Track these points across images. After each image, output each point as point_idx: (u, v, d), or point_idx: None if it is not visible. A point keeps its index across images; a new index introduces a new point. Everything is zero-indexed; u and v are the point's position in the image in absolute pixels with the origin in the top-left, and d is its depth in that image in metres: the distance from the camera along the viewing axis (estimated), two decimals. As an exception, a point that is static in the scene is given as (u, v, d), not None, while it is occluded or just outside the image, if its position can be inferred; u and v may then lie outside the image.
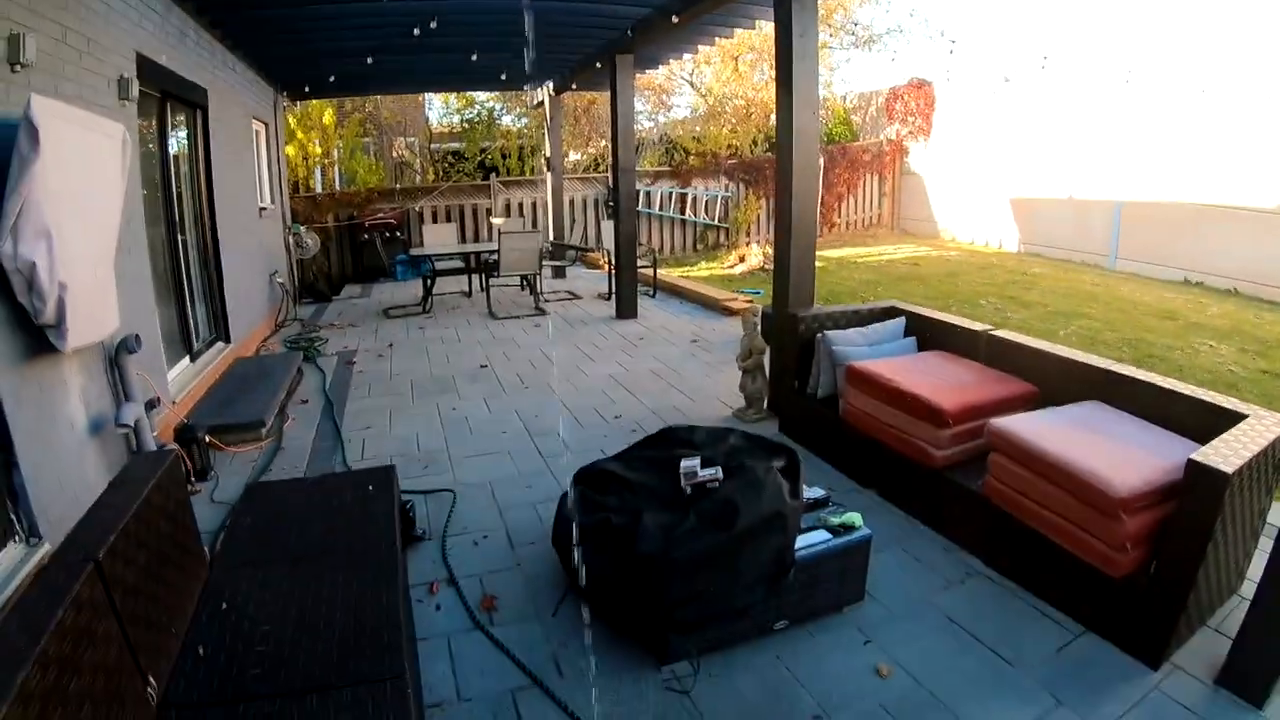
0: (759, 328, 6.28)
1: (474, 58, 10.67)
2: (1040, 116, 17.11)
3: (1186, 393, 3.77)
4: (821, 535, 3.54)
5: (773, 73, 20.32)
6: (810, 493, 3.85)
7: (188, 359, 7.52)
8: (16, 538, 3.84)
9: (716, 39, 10.47)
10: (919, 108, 20.05)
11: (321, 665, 2.50)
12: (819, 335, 5.44)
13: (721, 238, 18.82)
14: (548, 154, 15.37)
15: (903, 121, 20.42)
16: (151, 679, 2.39)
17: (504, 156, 20.29)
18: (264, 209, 11.62)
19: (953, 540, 4.20)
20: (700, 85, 22.15)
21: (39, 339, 4.04)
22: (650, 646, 3.33)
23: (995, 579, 3.87)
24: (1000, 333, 4.99)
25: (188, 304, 7.68)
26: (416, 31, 8.44)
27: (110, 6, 5.56)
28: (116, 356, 5.03)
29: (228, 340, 8.71)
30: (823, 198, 19.14)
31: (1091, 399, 4.12)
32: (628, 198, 10.62)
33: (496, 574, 4.08)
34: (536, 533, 4.46)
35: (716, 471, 3.58)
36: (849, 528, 3.59)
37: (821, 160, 18.60)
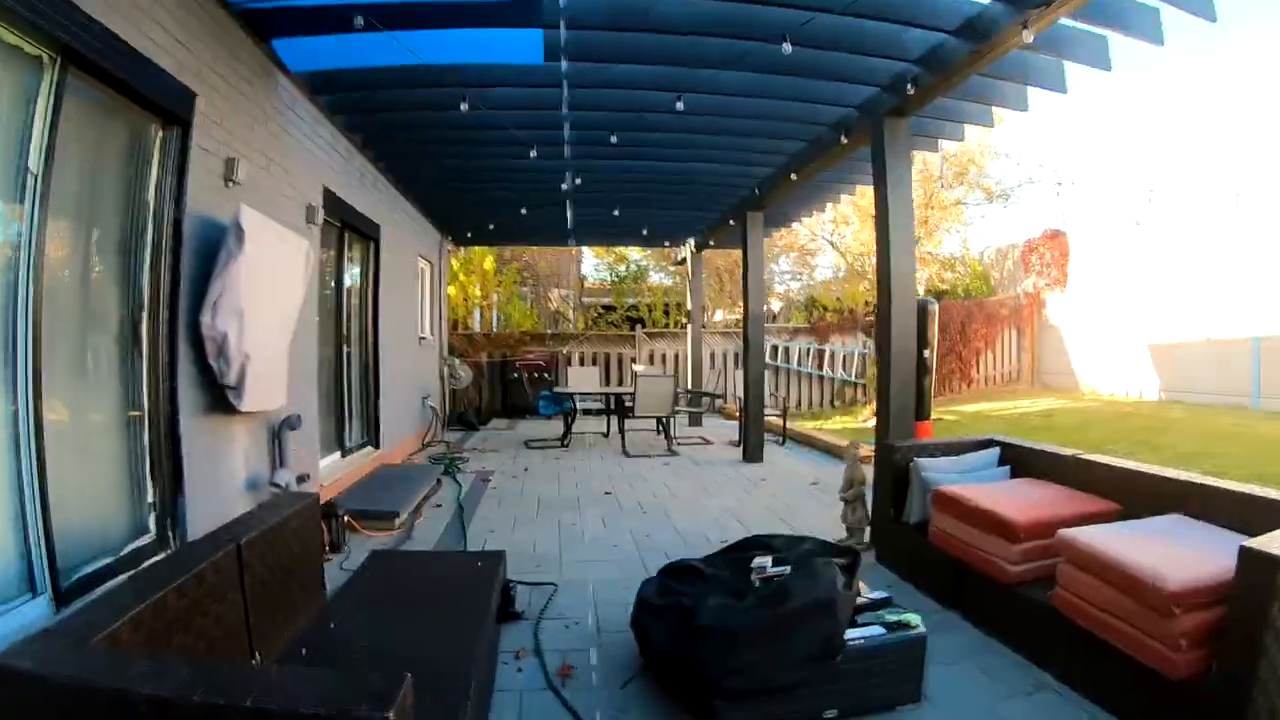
0: (859, 460, 6.54)
1: (615, 213, 11.75)
2: (1171, 257, 16.72)
3: (1264, 495, 3.78)
4: (876, 630, 3.75)
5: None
6: (873, 593, 4.08)
7: (339, 453, 8.42)
8: (167, 549, 4.58)
9: (841, 196, 11.20)
10: (1054, 258, 19.95)
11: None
12: (912, 463, 5.69)
13: (859, 393, 19.00)
14: (689, 307, 16.23)
15: (1039, 273, 20.32)
16: (258, 655, 2.90)
17: (650, 310, 21.39)
18: (423, 338, 12.82)
19: (1026, 655, 4.24)
20: (840, 245, 22.94)
21: (220, 398, 4.92)
22: (698, 713, 3.59)
23: (1064, 693, 3.88)
24: (1087, 455, 5.12)
25: (346, 407, 8.66)
26: (564, 186, 9.53)
27: (304, 148, 6.76)
28: (279, 429, 5.86)
29: (377, 446, 9.63)
30: (960, 352, 19.12)
31: (1173, 512, 4.17)
32: (756, 346, 11.18)
33: (579, 651, 4.43)
34: (624, 624, 4.78)
35: (785, 569, 3.90)
36: (905, 625, 3.79)
37: (956, 315, 18.80)
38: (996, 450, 5.79)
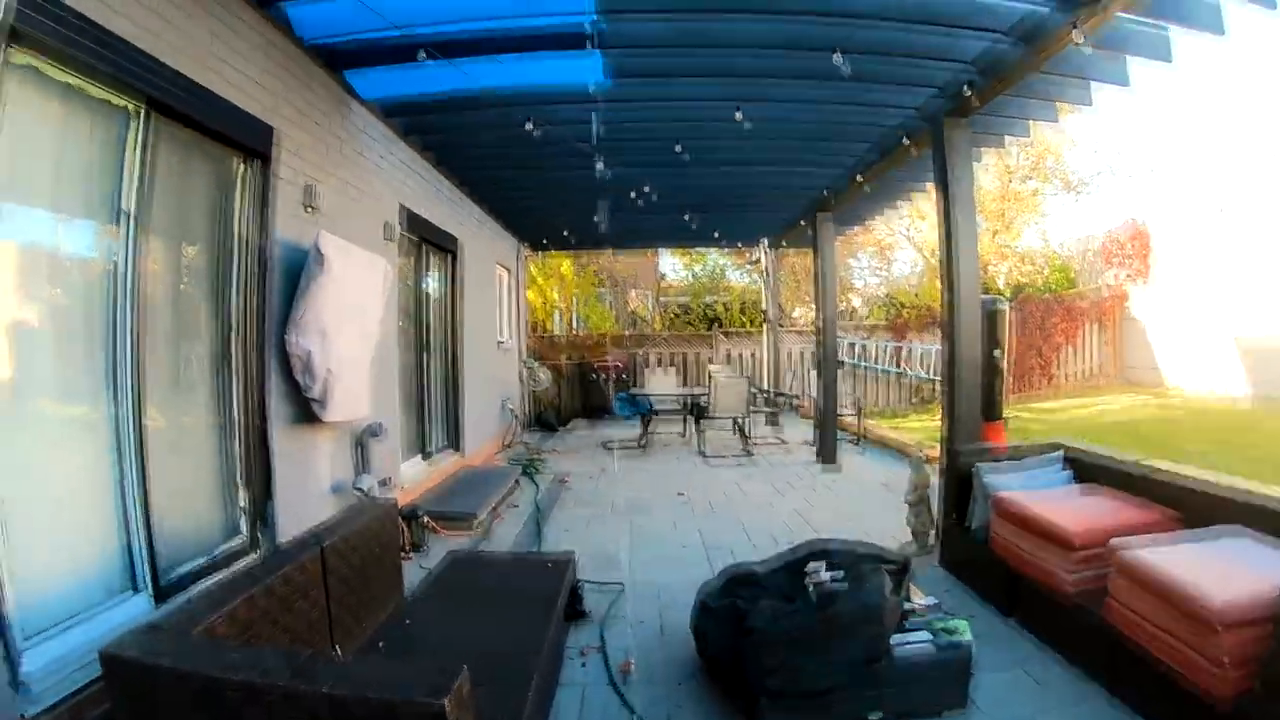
0: (924, 464, 6.62)
1: (687, 218, 11.95)
2: (1260, 246, 15.92)
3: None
4: (922, 635, 3.88)
5: (987, 224, 20.68)
6: (924, 600, 4.21)
7: (420, 457, 8.84)
8: (258, 551, 5.00)
9: (914, 194, 11.18)
10: (1135, 250, 19.32)
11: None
12: (974, 468, 5.75)
13: (937, 391, 18.73)
14: (766, 307, 16.33)
15: (1120, 265, 19.76)
16: (338, 648, 3.21)
17: (726, 309, 21.50)
18: (502, 343, 13.23)
19: (1078, 665, 4.30)
20: (916, 240, 22.68)
21: (306, 409, 5.35)
22: (747, 712, 3.79)
23: (1114, 706, 3.93)
24: (1149, 462, 5.12)
25: (428, 412, 9.09)
26: (633, 194, 9.77)
27: (380, 167, 7.17)
28: (362, 437, 6.26)
29: (459, 449, 10.06)
30: (1040, 349, 18.69)
31: (1235, 523, 4.14)
32: (830, 348, 11.26)
33: (641, 650, 4.68)
34: (686, 625, 4.98)
35: (838, 574, 4.06)
36: (952, 633, 3.92)
37: (1035, 311, 18.42)
38: (1061, 456, 5.81)
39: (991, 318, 7.36)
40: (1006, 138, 8.08)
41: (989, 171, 20.90)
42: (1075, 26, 4.87)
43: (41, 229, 3.59)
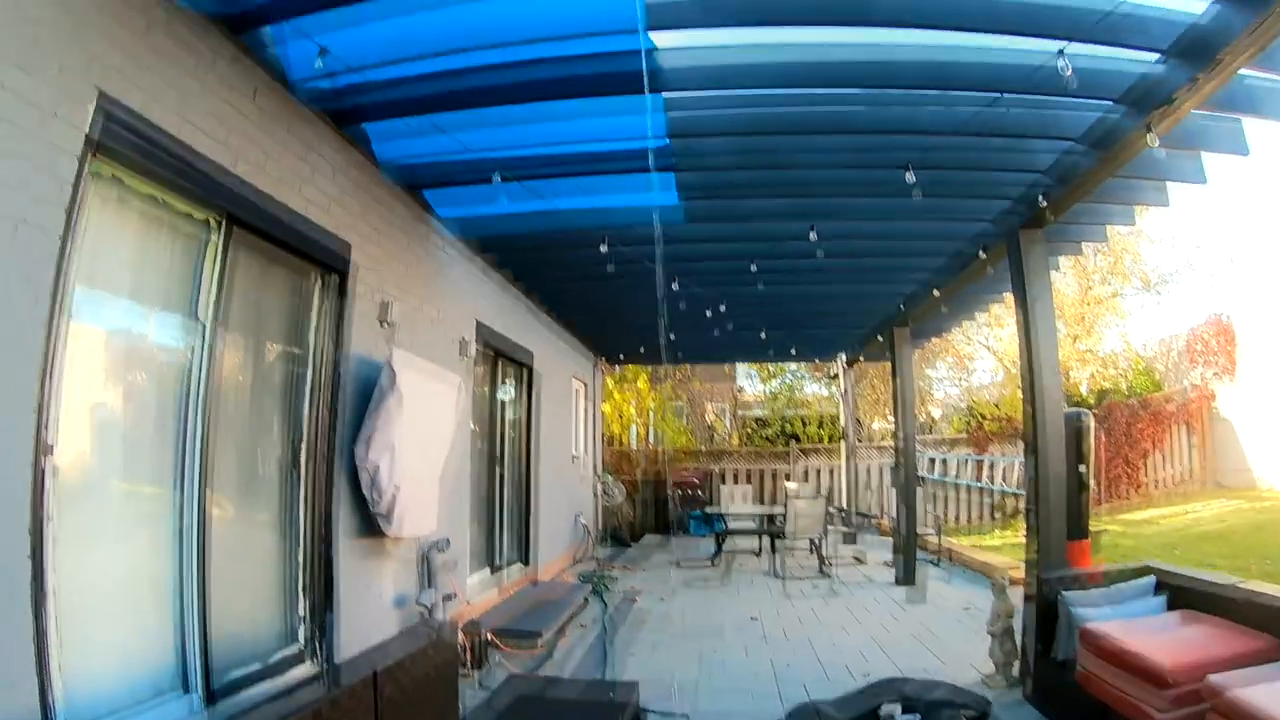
0: (1007, 589, 6.28)
1: (762, 335, 11.93)
2: None
3: None
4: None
5: (1067, 330, 20.10)
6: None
7: (488, 570, 8.77)
8: (314, 659, 4.92)
9: (989, 305, 10.97)
10: (1220, 345, 18.34)
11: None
12: (1060, 596, 5.43)
13: (1020, 505, 17.97)
14: (843, 424, 16.08)
15: (1205, 364, 18.83)
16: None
17: (804, 424, 21.22)
18: (576, 457, 13.22)
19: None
20: (994, 349, 22.17)
21: (372, 523, 5.36)
22: None
23: None
24: (1246, 584, 4.75)
25: (498, 525, 9.05)
26: (708, 312, 9.82)
27: (457, 285, 7.36)
28: (428, 552, 6.23)
29: (527, 563, 9.95)
30: (1126, 455, 17.76)
31: None
32: (909, 466, 10.95)
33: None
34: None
35: (913, 718, 3.82)
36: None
37: (1119, 418, 17.64)
38: (1152, 582, 5.45)
39: (1076, 432, 7.05)
40: (1084, 244, 7.91)
41: (1066, 275, 20.48)
42: (1149, 129, 4.75)
43: (119, 329, 3.74)
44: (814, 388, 24.39)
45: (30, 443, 2.90)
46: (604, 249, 6.96)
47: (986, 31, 4.26)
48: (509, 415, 9.76)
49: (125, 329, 3.79)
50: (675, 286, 8.37)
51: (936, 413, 24.90)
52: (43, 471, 2.97)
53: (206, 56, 3.99)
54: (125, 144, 3.41)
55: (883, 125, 5.41)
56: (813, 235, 6.80)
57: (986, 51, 4.57)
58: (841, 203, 6.79)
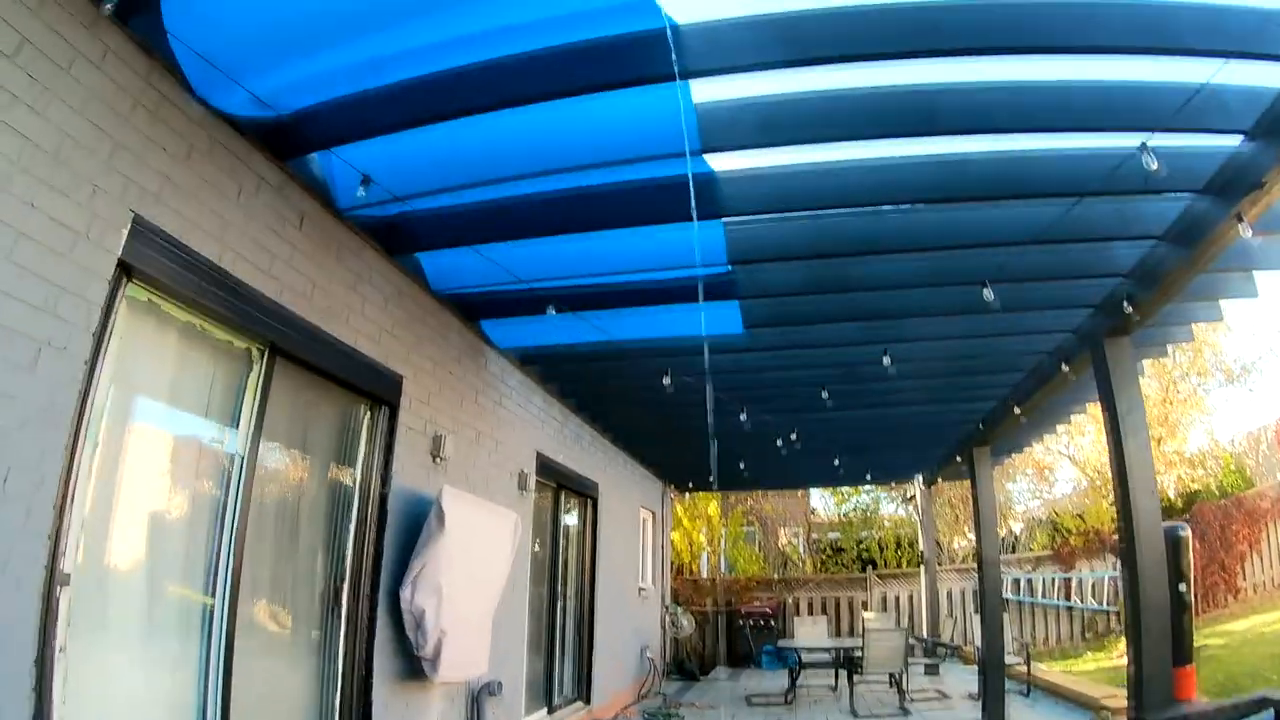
0: (1111, 729, 5.68)
1: (836, 463, 11.56)
2: None
3: None
4: None
5: (1151, 433, 19.01)
6: None
7: (545, 710, 8.26)
8: None
9: (1071, 417, 10.43)
10: None
11: None
12: (1174, 742, 4.85)
13: (1112, 623, 16.70)
14: (923, 548, 15.37)
15: None
16: None
17: (881, 548, 20.40)
18: (643, 589, 12.75)
19: None
20: (1077, 458, 21.11)
21: (416, 667, 5.01)
22: None
23: None
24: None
25: (556, 662, 8.59)
26: (778, 441, 9.52)
27: (516, 416, 7.17)
28: (478, 695, 5.85)
29: (588, 702, 9.40)
30: (1221, 560, 16.23)
31: None
32: (993, 591, 10.24)
33: None
34: None
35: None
36: None
37: (1214, 520, 16.42)
38: (1269, 716, 4.84)
39: (1175, 547, 6.52)
40: (1168, 345, 7.43)
41: (1145, 375, 19.62)
42: (1240, 219, 4.37)
43: (150, 456, 3.60)
44: (890, 507, 23.55)
45: (42, 571, 2.71)
46: (667, 382, 6.74)
47: (1062, 131, 4.03)
48: (571, 548, 9.43)
49: (157, 456, 3.64)
50: (744, 416, 8.12)
51: (1018, 527, 23.69)
52: (56, 601, 2.77)
53: (251, 183, 3.94)
54: (161, 270, 3.33)
55: (954, 239, 5.10)
56: (886, 361, 6.52)
57: (1062, 153, 4.32)
58: (914, 323, 6.46)
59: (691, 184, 4.01)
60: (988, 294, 5.17)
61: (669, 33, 3.18)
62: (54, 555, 2.78)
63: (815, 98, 3.82)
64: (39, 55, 2.81)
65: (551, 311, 5.50)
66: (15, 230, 2.69)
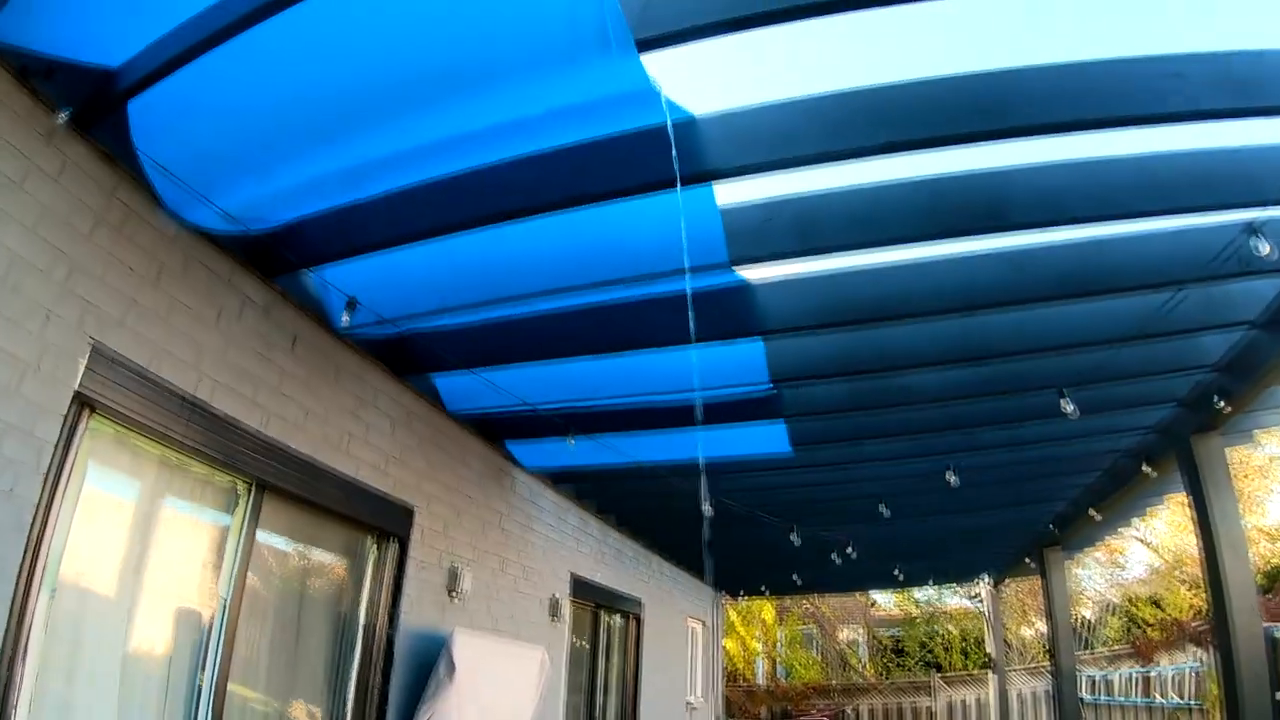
0: None
1: (897, 574, 10.81)
2: None
3: None
4: None
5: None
6: None
7: None
8: None
9: (1149, 510, 9.63)
10: None
11: None
12: None
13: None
14: (990, 651, 14.30)
15: None
16: None
17: (946, 649, 19.16)
18: (691, 703, 11.85)
19: None
20: (1152, 541, 19.74)
21: None
22: None
23: None
24: None
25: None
26: (835, 558, 8.82)
27: (549, 537, 6.55)
28: None
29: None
30: None
31: None
32: (1070, 707, 9.44)
33: None
34: None
35: None
36: None
37: None
38: None
39: (1274, 649, 5.84)
40: (1255, 430, 6.59)
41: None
42: None
43: (118, 603, 3.13)
44: (955, 599, 22.21)
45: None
46: (708, 509, 6.14)
47: (1146, 216, 3.34)
48: (613, 668, 8.66)
49: (126, 604, 3.18)
50: (795, 537, 7.50)
51: (1089, 613, 22.11)
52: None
53: (233, 304, 3.57)
54: (127, 403, 2.99)
55: (1022, 344, 4.39)
56: (950, 476, 5.90)
57: (1148, 237, 3.65)
58: (975, 433, 5.79)
59: (719, 298, 3.57)
60: (1066, 406, 4.54)
61: (670, 128, 2.66)
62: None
63: (858, 193, 3.28)
64: None
65: (578, 435, 5.01)
66: None
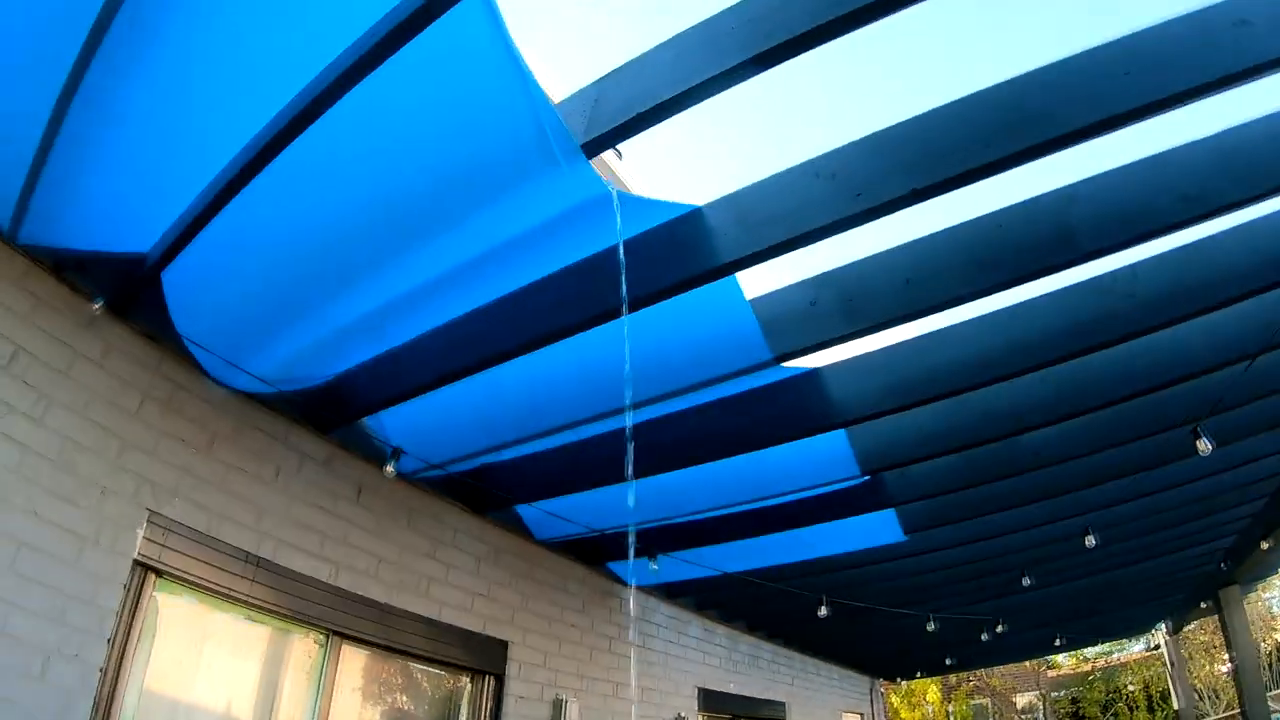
0: None
1: (1058, 641, 9.91)
2: None
3: None
4: None
5: None
6: None
7: None
8: None
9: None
10: None
11: None
12: None
13: None
14: (1177, 706, 12.84)
15: None
16: None
17: (1131, 708, 17.36)
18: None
19: None
20: None
21: None
22: None
23: None
24: None
25: None
26: (984, 635, 8.12)
27: (668, 654, 6.14)
28: None
29: None
30: None
31: None
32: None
33: None
34: None
35: None
36: None
37: None
38: None
39: None
40: None
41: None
42: None
43: None
44: (1137, 645, 20.15)
45: None
46: (824, 612, 5.67)
47: (1250, 201, 2.62)
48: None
49: None
50: (930, 617, 6.90)
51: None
52: None
53: (291, 461, 3.57)
54: (187, 566, 3.01)
55: (1138, 380, 3.71)
56: (1089, 539, 5.28)
57: (1255, 230, 3.02)
58: (1113, 486, 4.99)
59: (781, 393, 3.27)
60: (1202, 445, 3.88)
61: (619, 242, 2.44)
62: None
63: (905, 251, 2.86)
64: (35, 362, 2.68)
65: (679, 550, 4.69)
66: (17, 541, 2.51)
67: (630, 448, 3.27)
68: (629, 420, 3.48)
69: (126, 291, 2.86)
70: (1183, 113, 2.26)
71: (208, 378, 3.23)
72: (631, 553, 5.15)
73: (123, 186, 2.56)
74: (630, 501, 4.29)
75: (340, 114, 2.05)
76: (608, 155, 5.94)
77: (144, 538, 2.87)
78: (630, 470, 3.47)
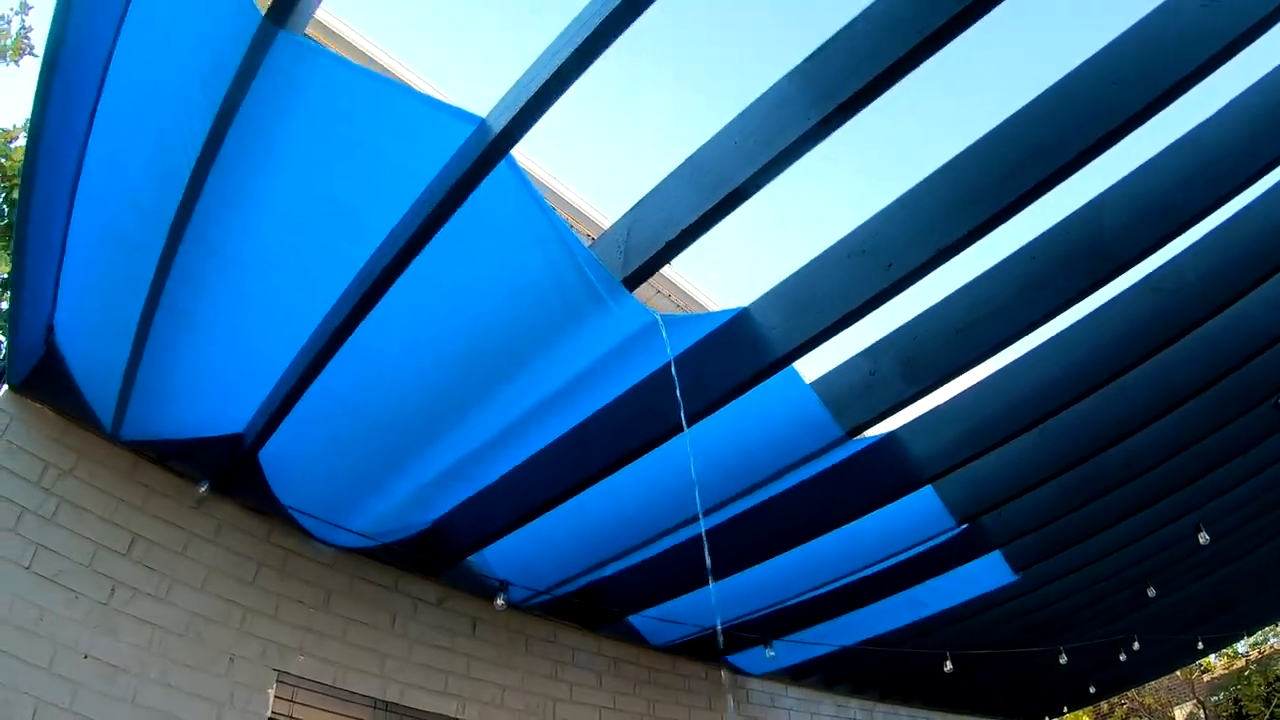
0: None
1: (1200, 645, 9.34)
2: None
3: None
4: None
5: None
6: None
7: None
8: None
9: None
10: None
11: None
12: None
13: None
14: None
15: None
16: None
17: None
18: None
19: None
20: None
21: None
22: None
23: None
24: None
25: None
26: (1122, 656, 7.69)
27: None
28: None
29: None
30: None
31: None
32: None
33: None
34: None
35: None
36: None
37: None
38: None
39: None
40: None
41: None
42: None
43: None
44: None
45: None
46: (949, 665, 5.50)
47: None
48: None
49: None
50: (1060, 650, 6.59)
51: None
52: None
53: (406, 607, 3.69)
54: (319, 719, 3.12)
55: (1224, 359, 3.47)
56: (1203, 538, 5.02)
57: None
58: (1220, 475, 4.69)
59: (863, 462, 3.20)
60: None
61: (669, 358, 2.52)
62: None
63: (954, 301, 2.84)
64: (153, 546, 2.86)
65: (792, 633, 4.63)
66: (155, 711, 2.61)
67: (706, 548, 3.29)
68: (702, 526, 3.49)
69: (228, 471, 3.09)
70: (1193, 94, 2.17)
71: (314, 539, 3.38)
72: (720, 642, 4.98)
73: (209, 379, 2.76)
74: (713, 600, 4.16)
75: (402, 287, 2.21)
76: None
77: (275, 696, 3.00)
78: (710, 567, 3.49)
